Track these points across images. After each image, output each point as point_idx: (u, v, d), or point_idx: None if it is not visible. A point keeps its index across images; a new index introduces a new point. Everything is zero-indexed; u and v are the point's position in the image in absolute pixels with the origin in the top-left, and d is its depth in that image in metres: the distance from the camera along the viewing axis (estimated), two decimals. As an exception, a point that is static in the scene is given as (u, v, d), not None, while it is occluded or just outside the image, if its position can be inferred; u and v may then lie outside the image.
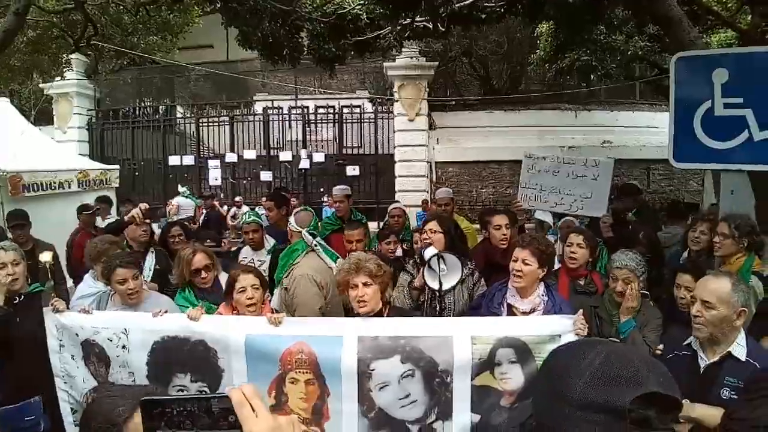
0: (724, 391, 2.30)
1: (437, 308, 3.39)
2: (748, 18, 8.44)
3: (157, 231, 5.58)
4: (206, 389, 2.86)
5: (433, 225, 3.73)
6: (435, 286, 3.13)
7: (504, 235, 4.06)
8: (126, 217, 4.40)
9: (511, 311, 3.04)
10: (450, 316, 3.36)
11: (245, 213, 6.85)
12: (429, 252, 3.30)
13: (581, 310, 2.74)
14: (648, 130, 13.14)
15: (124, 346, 2.97)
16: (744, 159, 3.69)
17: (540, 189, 5.37)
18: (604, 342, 1.04)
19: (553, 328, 2.68)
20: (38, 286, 3.42)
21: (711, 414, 2.13)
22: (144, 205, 4.52)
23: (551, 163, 5.38)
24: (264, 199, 6.07)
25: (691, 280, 3.11)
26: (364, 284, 2.81)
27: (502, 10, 7.79)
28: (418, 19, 7.96)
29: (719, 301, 2.33)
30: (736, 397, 2.26)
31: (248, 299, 3.08)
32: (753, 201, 4.14)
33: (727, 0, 8.94)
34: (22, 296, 3.26)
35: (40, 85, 13.52)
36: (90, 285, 3.81)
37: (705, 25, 8.98)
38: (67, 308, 3.13)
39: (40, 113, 14.83)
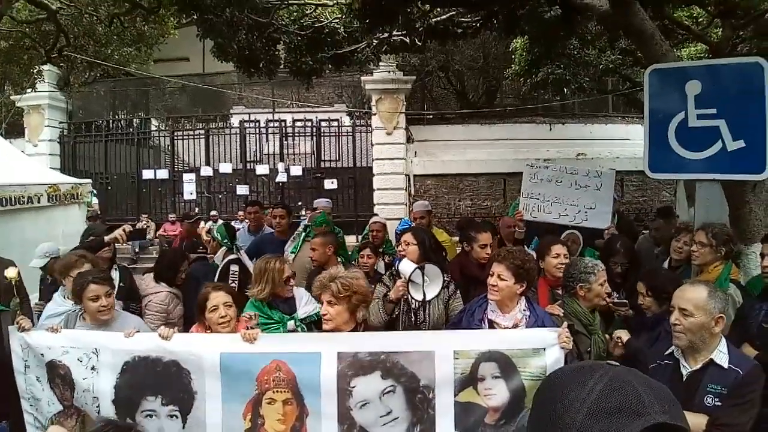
0: (708, 398, 2.31)
1: (413, 320, 3.36)
2: (718, 32, 8.69)
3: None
4: (177, 413, 2.73)
5: (407, 237, 3.72)
6: (420, 297, 3.10)
7: (488, 254, 4.02)
8: (107, 238, 4.25)
9: (493, 327, 2.98)
10: (426, 328, 3.33)
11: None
12: (405, 266, 3.26)
13: (565, 323, 2.72)
14: (621, 143, 13.40)
15: (93, 368, 2.84)
16: (718, 169, 3.74)
17: (543, 199, 5.22)
18: (602, 366, 0.95)
19: (538, 341, 2.63)
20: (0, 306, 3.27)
21: (695, 422, 2.13)
22: (128, 227, 4.41)
23: (553, 172, 5.24)
24: (274, 208, 6.00)
25: (643, 285, 3.21)
26: (328, 302, 2.75)
27: (478, 24, 7.88)
28: (395, 33, 8.00)
29: (696, 308, 2.36)
30: (719, 404, 2.27)
31: (221, 317, 3.01)
32: (727, 210, 4.21)
33: (698, 15, 9.18)
34: None
35: (11, 97, 13.22)
36: (59, 303, 3.66)
37: (676, 39, 9.20)
38: (33, 327, 3.00)
39: (11, 125, 14.48)
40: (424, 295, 3.08)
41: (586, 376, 0.91)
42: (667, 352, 2.55)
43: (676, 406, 0.89)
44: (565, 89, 12.00)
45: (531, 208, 5.24)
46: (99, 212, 10.58)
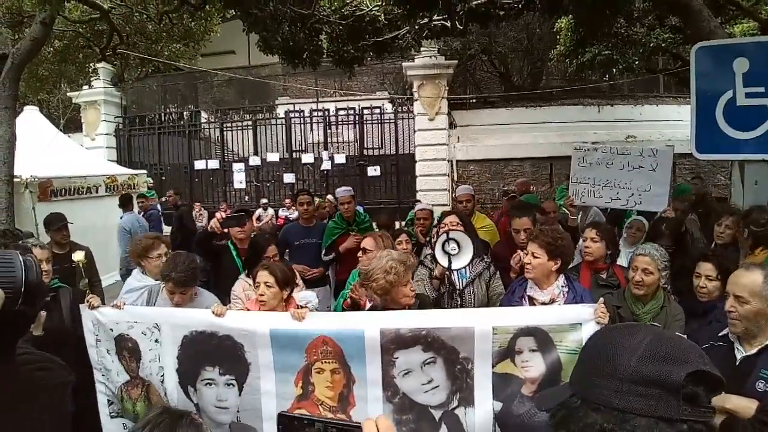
0: (760, 384, 2.27)
1: (458, 302, 3.43)
2: (768, 8, 8.28)
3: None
4: (233, 381, 2.95)
5: (453, 218, 3.80)
6: (444, 263, 3.17)
7: (522, 240, 4.01)
8: (209, 228, 4.35)
9: (532, 303, 3.07)
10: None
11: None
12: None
13: (602, 299, 2.74)
14: (673, 124, 12.86)
15: (156, 340, 3.09)
16: (767, 149, 3.64)
17: (593, 183, 5.01)
18: (646, 326, 1.11)
19: (574, 317, 2.70)
20: (56, 282, 3.59)
21: (745, 405, 2.10)
22: (220, 215, 4.46)
23: (603, 155, 5.00)
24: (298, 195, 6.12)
25: (712, 268, 3.10)
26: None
27: (520, 6, 7.76)
28: (435, 18, 7.98)
29: (752, 295, 2.31)
30: None
31: (260, 295, 3.20)
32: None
33: (748, -10, 8.76)
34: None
35: (68, 94, 13.88)
36: (138, 279, 3.95)
37: (726, 15, 8.80)
38: (103, 304, 3.26)
39: (69, 121, 15.24)
40: (450, 263, 3.14)
41: (633, 330, 1.04)
42: (721, 334, 2.51)
43: (710, 360, 1.00)
44: (613, 69, 11.67)
45: (581, 193, 5.06)
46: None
